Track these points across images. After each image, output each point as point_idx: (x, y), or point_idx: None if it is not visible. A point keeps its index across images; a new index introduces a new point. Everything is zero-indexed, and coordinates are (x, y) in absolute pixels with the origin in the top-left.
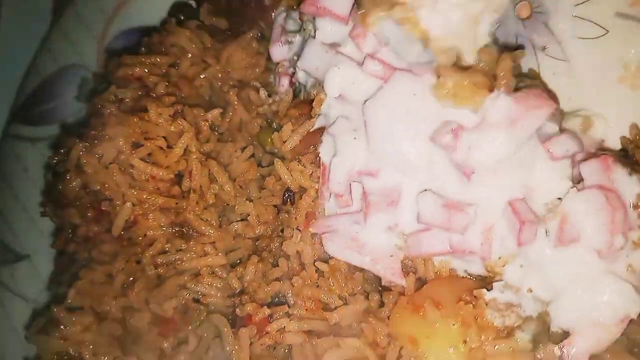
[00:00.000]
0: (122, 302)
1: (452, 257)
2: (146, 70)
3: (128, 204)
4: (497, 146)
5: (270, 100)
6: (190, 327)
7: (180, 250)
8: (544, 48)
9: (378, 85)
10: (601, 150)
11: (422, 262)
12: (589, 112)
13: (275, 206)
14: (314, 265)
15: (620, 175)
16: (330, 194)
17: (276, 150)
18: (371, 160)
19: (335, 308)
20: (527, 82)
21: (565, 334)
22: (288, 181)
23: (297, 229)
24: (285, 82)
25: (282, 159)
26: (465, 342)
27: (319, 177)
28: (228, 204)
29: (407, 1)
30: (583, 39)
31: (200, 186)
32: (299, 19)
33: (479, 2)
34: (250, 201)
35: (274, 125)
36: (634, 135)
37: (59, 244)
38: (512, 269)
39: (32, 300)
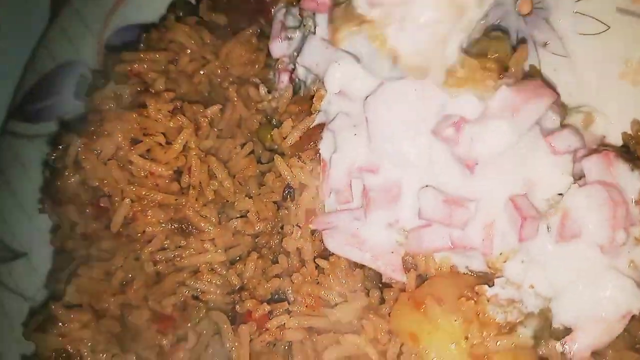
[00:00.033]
0: (120, 299)
1: (453, 253)
2: (145, 67)
3: (127, 201)
4: (499, 136)
5: (270, 97)
6: (189, 324)
7: (180, 247)
8: (545, 44)
9: (379, 81)
10: (602, 146)
11: (423, 258)
12: (590, 108)
13: (275, 203)
14: (314, 262)
15: (622, 171)
16: (331, 191)
17: (276, 146)
18: (372, 156)
19: (336, 305)
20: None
21: (567, 330)
22: (288, 177)
23: (297, 225)
24: (285, 78)
25: (282, 155)
26: (466, 338)
27: (319, 174)
28: (227, 201)
29: (376, 19)
30: (584, 35)
31: (200, 182)
32: (299, 14)
33: (446, 23)
34: (249, 198)
35: (274, 121)
36: (636, 131)
37: (57, 241)
38: (514, 265)
39: (30, 298)
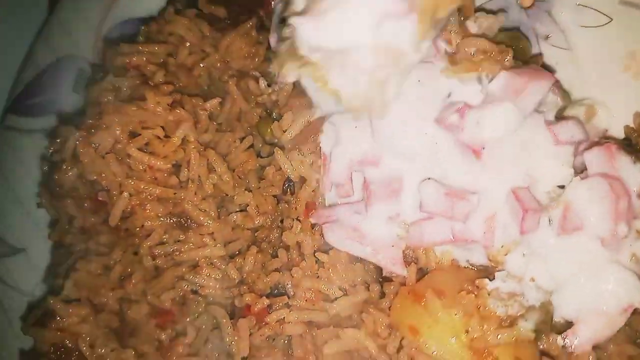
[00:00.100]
0: (119, 293)
1: (454, 246)
2: (144, 59)
3: (125, 194)
4: (504, 117)
5: (270, 90)
6: (188, 319)
7: (179, 241)
8: (546, 37)
9: None
10: (605, 139)
11: (424, 252)
12: (592, 101)
13: (274, 196)
14: (314, 256)
15: (624, 163)
16: (332, 184)
17: (276, 140)
18: (373, 149)
19: (335, 299)
20: None
21: (568, 324)
22: (288, 171)
23: (297, 219)
24: None
25: (282, 148)
26: (467, 331)
27: (319, 167)
28: (227, 195)
29: (318, 61)
30: (586, 27)
31: (199, 176)
32: None
33: (385, 68)
34: (249, 191)
35: (274, 115)
36: (638, 123)
37: (56, 236)
38: (515, 258)
39: (28, 293)
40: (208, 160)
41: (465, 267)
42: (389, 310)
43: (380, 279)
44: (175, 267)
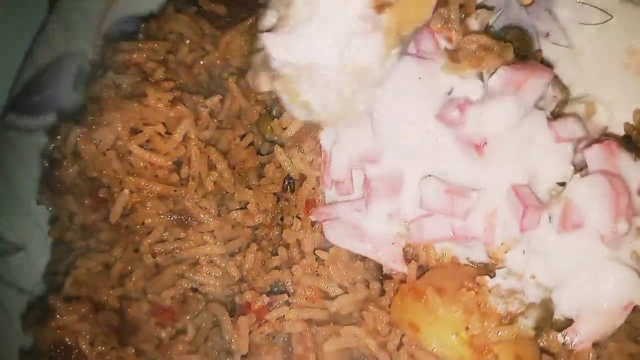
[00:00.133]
0: (119, 291)
1: (454, 244)
2: (144, 56)
3: (126, 191)
4: (506, 112)
5: None
6: (188, 317)
7: (179, 238)
8: (547, 35)
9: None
10: (605, 136)
11: (424, 249)
12: (593, 98)
13: (275, 194)
14: (314, 253)
15: (624, 161)
16: (332, 182)
17: (276, 137)
18: (373, 146)
19: (336, 297)
20: None
21: (569, 322)
22: (288, 168)
23: (297, 217)
24: None
25: (282, 146)
26: (467, 328)
27: (319, 165)
28: (227, 192)
29: (289, 75)
30: (587, 25)
31: (199, 173)
32: None
33: (352, 83)
34: (249, 189)
35: (274, 112)
36: (638, 121)
37: (56, 233)
38: (515, 256)
39: (28, 292)
40: (209, 157)
41: (465, 265)
42: (389, 307)
43: (380, 277)
44: (175, 264)
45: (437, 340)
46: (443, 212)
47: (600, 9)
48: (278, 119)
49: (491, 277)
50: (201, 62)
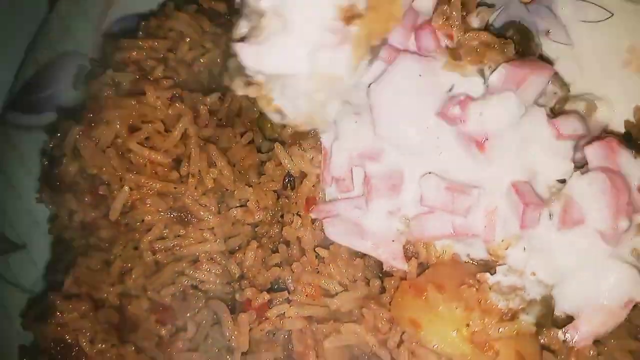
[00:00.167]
0: (119, 289)
1: (454, 241)
2: (144, 54)
3: (126, 189)
4: (507, 108)
5: None
6: (188, 314)
7: (179, 236)
8: (547, 32)
9: (381, 68)
10: (605, 134)
11: (424, 246)
12: (593, 96)
13: (275, 191)
14: (314, 251)
15: (625, 158)
16: (332, 179)
17: (276, 135)
18: (373, 143)
19: (336, 294)
20: None
21: (569, 319)
22: (288, 166)
23: (297, 214)
24: None
25: (282, 143)
26: (468, 325)
27: (319, 162)
28: (227, 190)
29: (262, 82)
30: (587, 22)
31: (199, 171)
32: None
33: (322, 91)
34: (249, 187)
35: None
36: (638, 118)
37: (56, 230)
38: (516, 253)
39: (28, 290)
40: (208, 155)
41: (465, 262)
42: (390, 305)
43: (381, 274)
44: (175, 262)
45: (438, 337)
46: (443, 209)
47: (600, 7)
48: None
49: (492, 274)
50: (201, 60)
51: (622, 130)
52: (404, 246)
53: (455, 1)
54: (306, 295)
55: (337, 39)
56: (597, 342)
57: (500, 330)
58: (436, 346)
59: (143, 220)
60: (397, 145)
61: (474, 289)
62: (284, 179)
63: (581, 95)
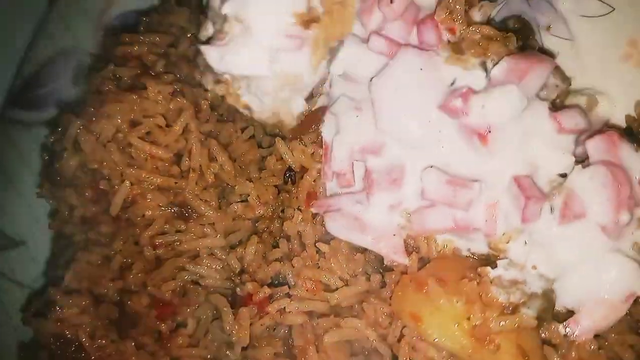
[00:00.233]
0: (119, 284)
1: (455, 236)
2: (145, 49)
3: (126, 183)
4: (509, 100)
5: None
6: (188, 310)
7: (179, 231)
8: (548, 27)
9: (383, 62)
10: (607, 128)
11: (425, 241)
12: (594, 90)
13: (276, 186)
14: (315, 246)
15: (626, 152)
16: (333, 174)
17: (277, 130)
18: (375, 137)
19: (336, 289)
20: None
21: (570, 314)
22: (289, 160)
23: (298, 209)
24: None
25: (283, 138)
26: (469, 319)
27: (320, 157)
28: (228, 185)
29: (230, 81)
30: (588, 17)
31: (200, 166)
32: None
33: (285, 90)
34: (250, 181)
35: None
36: (639, 112)
37: (56, 226)
38: (517, 246)
39: (28, 286)
40: (209, 149)
41: (467, 257)
42: (390, 299)
43: (381, 269)
44: (175, 257)
45: (439, 330)
46: (445, 203)
47: (601, 1)
48: None
49: (493, 268)
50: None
51: (623, 124)
52: (404, 240)
53: None
54: (307, 290)
55: (296, 44)
56: (597, 336)
57: (501, 324)
58: (437, 340)
59: (144, 215)
60: (398, 139)
61: (475, 283)
62: (285, 174)
63: (582, 89)
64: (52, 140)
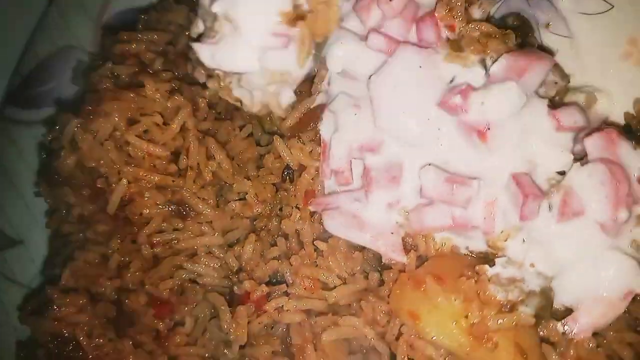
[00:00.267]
0: (117, 283)
1: (453, 234)
2: (143, 47)
3: (124, 181)
4: (509, 96)
5: None
6: (186, 308)
7: (177, 229)
8: (547, 25)
9: (382, 59)
10: (605, 125)
11: (423, 239)
12: (593, 88)
13: (274, 184)
14: (313, 244)
15: (624, 149)
16: (331, 171)
17: (275, 128)
18: (373, 135)
19: (334, 287)
20: None
21: (568, 311)
22: (287, 158)
23: (296, 207)
24: None
25: (282, 136)
26: (467, 316)
27: (319, 155)
28: (226, 183)
29: (221, 74)
30: (587, 14)
31: (198, 164)
32: None
33: (274, 84)
34: (248, 179)
35: None
36: (638, 110)
37: (53, 224)
38: (515, 244)
39: (26, 286)
40: (207, 147)
41: (465, 254)
42: (388, 298)
43: (379, 268)
44: (173, 255)
45: (437, 328)
46: (443, 200)
47: None
48: None
49: (491, 266)
50: None
51: (622, 122)
52: (403, 238)
53: None
54: (305, 288)
55: (283, 41)
56: (596, 334)
57: (499, 321)
58: (435, 338)
59: (141, 214)
60: (397, 136)
61: (473, 281)
62: (283, 172)
63: (581, 87)
64: (49, 138)
